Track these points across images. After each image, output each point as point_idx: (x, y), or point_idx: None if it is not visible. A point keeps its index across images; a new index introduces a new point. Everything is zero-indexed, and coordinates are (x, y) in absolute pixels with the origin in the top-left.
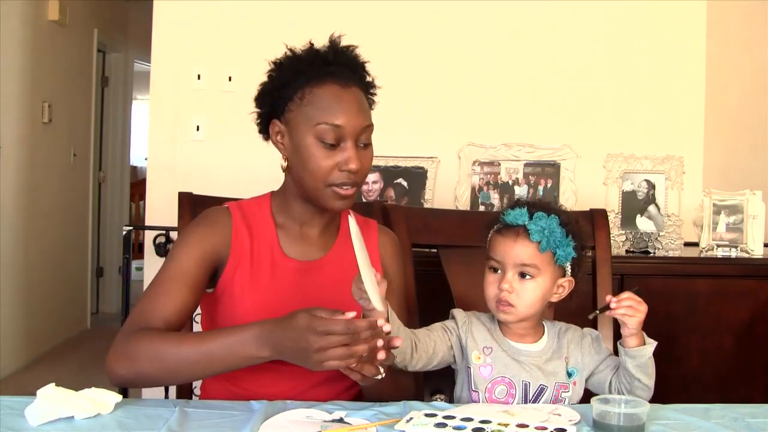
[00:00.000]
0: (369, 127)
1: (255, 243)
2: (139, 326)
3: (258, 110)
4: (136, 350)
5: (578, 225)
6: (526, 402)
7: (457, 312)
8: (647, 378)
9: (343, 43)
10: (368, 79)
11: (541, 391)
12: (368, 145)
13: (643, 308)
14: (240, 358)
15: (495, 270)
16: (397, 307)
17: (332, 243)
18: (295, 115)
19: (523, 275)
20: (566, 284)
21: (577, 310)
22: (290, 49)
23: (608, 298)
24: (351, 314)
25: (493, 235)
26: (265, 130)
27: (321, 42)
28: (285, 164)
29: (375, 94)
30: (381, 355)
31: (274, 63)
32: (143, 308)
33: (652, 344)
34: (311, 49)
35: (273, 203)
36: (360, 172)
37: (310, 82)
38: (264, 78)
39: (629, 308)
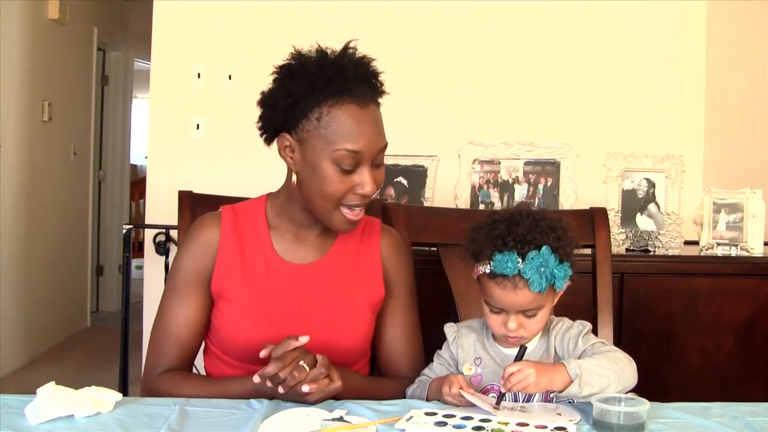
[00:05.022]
0: (385, 147)
1: (246, 247)
2: (159, 367)
3: (263, 117)
4: (162, 393)
5: (566, 232)
6: None
7: (447, 328)
8: (614, 381)
9: (359, 48)
10: (381, 89)
11: (530, 394)
12: (382, 164)
13: (531, 370)
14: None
15: (495, 311)
16: (400, 305)
17: (330, 246)
18: (310, 135)
19: (527, 315)
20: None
21: (576, 308)
22: (299, 55)
23: (500, 380)
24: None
25: (484, 279)
26: (270, 137)
27: (325, 42)
28: (295, 179)
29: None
30: (305, 389)
31: (283, 69)
32: (158, 349)
33: (576, 375)
34: (325, 62)
35: (269, 205)
36: (372, 193)
37: (327, 101)
38: (268, 79)
39: (518, 382)
